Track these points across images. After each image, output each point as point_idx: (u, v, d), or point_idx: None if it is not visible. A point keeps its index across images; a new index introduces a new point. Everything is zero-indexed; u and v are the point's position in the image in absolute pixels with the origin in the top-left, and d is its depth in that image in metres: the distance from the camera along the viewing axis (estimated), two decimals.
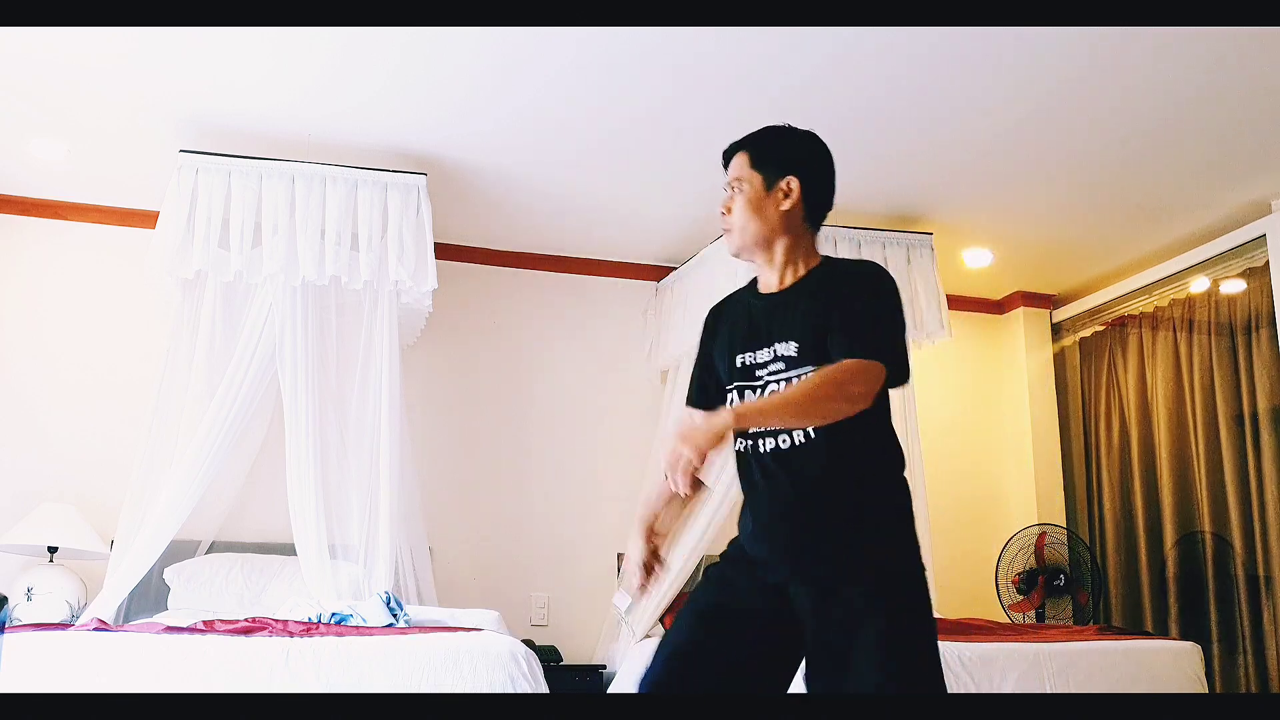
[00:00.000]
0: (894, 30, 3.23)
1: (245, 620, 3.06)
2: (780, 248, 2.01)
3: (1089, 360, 5.62)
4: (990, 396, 5.65)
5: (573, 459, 4.94)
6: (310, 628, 3.05)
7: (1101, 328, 5.53)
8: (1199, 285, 4.95)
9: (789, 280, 2.01)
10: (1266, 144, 3.96)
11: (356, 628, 3.13)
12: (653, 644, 4.16)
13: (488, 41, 3.34)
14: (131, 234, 4.49)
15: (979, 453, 5.54)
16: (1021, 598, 4.91)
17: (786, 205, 1.99)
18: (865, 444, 1.92)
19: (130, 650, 2.76)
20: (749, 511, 2.04)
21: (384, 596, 3.44)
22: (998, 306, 5.73)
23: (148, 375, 4.05)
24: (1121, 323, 5.43)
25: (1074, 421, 5.60)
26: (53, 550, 3.94)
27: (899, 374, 1.88)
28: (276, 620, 3.10)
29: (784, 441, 1.91)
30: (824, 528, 1.89)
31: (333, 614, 3.32)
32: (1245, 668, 4.64)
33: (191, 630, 2.93)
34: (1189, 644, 3.62)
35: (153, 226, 3.95)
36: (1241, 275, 4.75)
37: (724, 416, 1.73)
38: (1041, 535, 4.99)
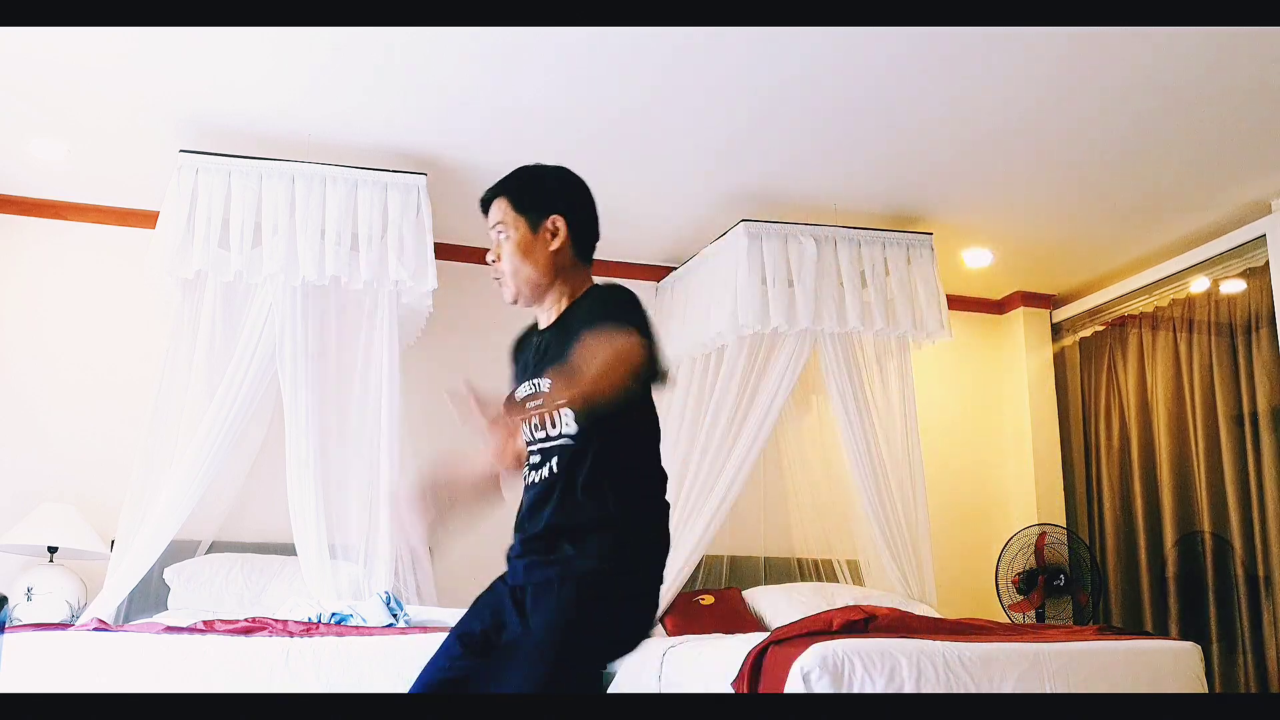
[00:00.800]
0: (893, 30, 3.23)
1: (245, 620, 3.06)
2: (554, 287, 1.98)
3: (1089, 360, 5.61)
4: (990, 396, 5.65)
5: None
6: (310, 628, 3.05)
7: (1101, 328, 5.53)
8: (1199, 285, 4.95)
9: (555, 316, 1.98)
10: (1266, 144, 3.96)
11: (356, 628, 3.13)
12: (653, 644, 4.17)
13: (487, 41, 3.34)
14: (131, 234, 4.49)
15: (979, 453, 5.54)
16: (1021, 598, 4.91)
17: (555, 244, 1.97)
18: (608, 461, 1.82)
19: (130, 650, 2.76)
20: None
21: (384, 596, 3.44)
22: (998, 306, 5.73)
23: (148, 375, 4.05)
24: (1121, 323, 5.42)
25: (1074, 421, 5.60)
26: (53, 550, 3.94)
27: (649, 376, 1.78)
28: (276, 620, 3.11)
29: (544, 473, 1.83)
30: (539, 538, 1.82)
31: (333, 614, 3.32)
32: (1245, 668, 4.64)
33: (191, 630, 2.93)
34: (1189, 644, 3.62)
35: (153, 226, 3.95)
36: (1241, 275, 4.75)
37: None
38: (1041, 535, 4.99)
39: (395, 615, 3.38)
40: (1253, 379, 4.72)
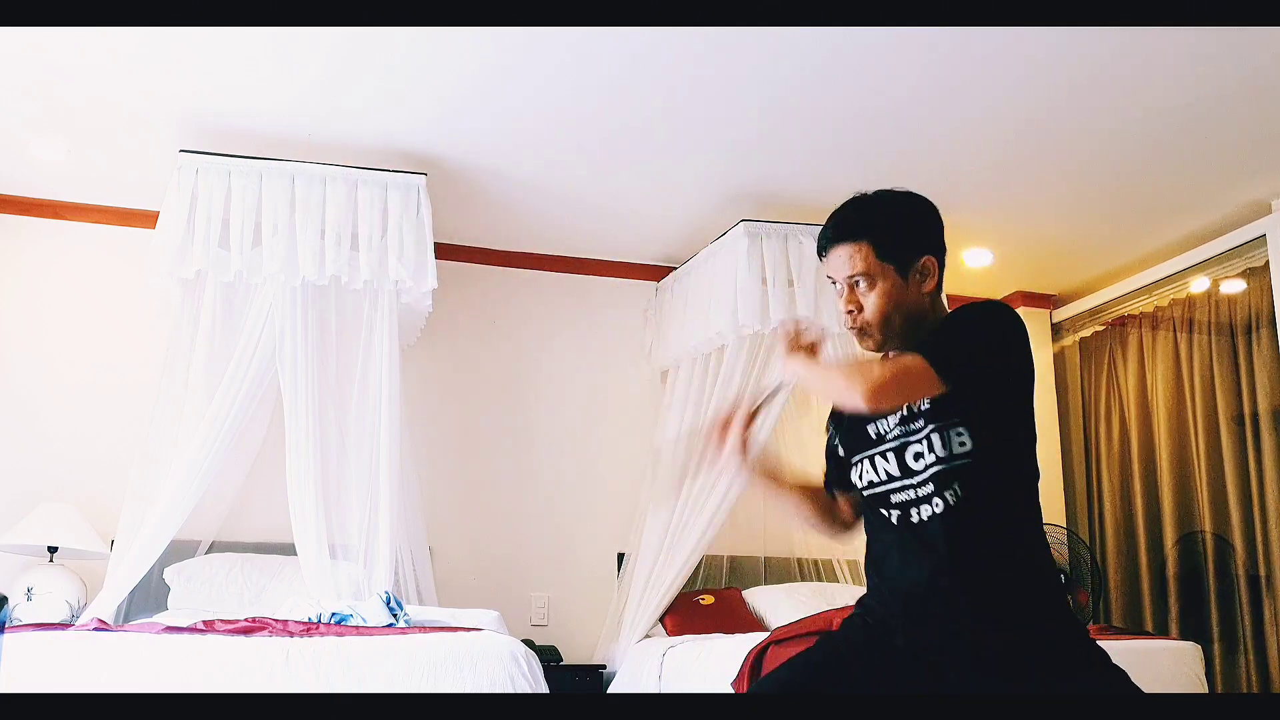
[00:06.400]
0: (893, 31, 3.23)
1: (245, 620, 3.05)
2: (923, 325, 1.84)
3: (1089, 360, 5.61)
4: None
5: (573, 459, 4.94)
6: (310, 628, 3.05)
7: (1101, 328, 5.53)
8: (1199, 285, 4.95)
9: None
10: (1266, 144, 3.96)
11: (356, 628, 3.13)
12: (653, 644, 4.17)
13: (488, 41, 3.34)
14: (131, 234, 4.48)
15: None
16: None
17: (929, 285, 1.85)
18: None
19: (130, 650, 2.76)
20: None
21: (384, 596, 3.44)
22: None
23: (148, 375, 4.05)
24: (1121, 323, 5.42)
25: (1074, 421, 5.60)
26: (53, 550, 3.94)
27: (951, 382, 1.68)
28: (276, 620, 3.10)
29: (938, 506, 1.74)
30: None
31: (333, 614, 3.32)
32: (1245, 667, 4.64)
33: (191, 630, 2.93)
34: (1189, 644, 3.62)
35: (153, 226, 3.95)
36: (1241, 275, 4.75)
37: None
38: None
39: (395, 615, 3.38)
40: (1253, 379, 4.72)
